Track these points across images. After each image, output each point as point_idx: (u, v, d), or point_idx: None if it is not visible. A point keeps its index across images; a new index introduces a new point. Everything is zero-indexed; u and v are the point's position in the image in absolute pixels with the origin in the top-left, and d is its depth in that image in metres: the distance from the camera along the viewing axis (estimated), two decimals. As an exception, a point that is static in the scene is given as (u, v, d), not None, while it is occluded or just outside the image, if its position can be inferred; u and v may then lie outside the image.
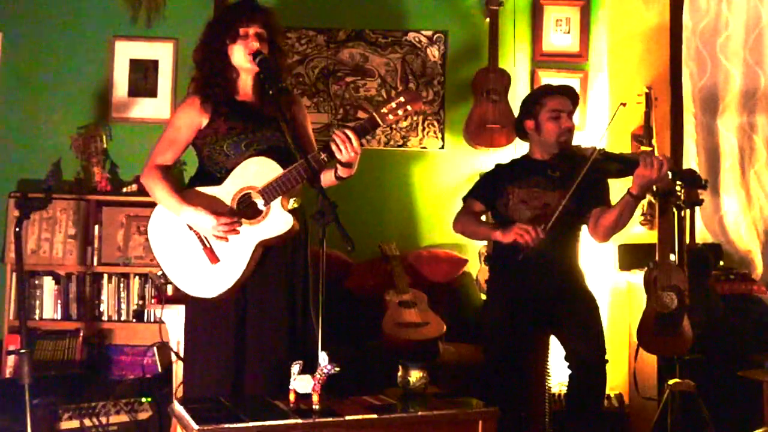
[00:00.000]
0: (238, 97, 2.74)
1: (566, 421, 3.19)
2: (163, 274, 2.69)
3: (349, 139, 2.55)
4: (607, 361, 3.08)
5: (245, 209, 2.63)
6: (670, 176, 2.94)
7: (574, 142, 3.29)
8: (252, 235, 2.60)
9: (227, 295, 2.61)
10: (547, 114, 3.24)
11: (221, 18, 2.74)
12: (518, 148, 3.95)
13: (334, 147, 2.56)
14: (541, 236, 2.99)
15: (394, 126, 4.27)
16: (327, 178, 2.69)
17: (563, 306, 3.14)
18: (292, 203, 2.62)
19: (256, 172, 2.61)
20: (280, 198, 2.59)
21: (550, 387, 3.55)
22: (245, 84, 2.74)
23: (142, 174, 2.72)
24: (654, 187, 3.39)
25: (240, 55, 2.66)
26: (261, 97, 2.74)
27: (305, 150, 2.63)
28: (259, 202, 2.60)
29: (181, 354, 3.01)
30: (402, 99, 2.60)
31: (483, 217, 3.42)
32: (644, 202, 4.09)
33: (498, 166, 3.47)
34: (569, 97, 3.31)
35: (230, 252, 2.60)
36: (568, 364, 3.10)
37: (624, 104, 3.21)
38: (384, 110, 2.60)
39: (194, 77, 2.74)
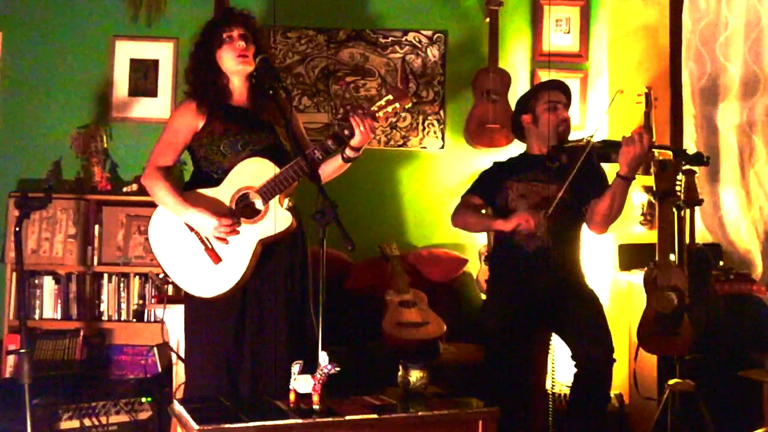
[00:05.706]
0: (232, 101, 2.79)
1: (569, 421, 3.18)
2: (165, 275, 2.72)
3: (366, 117, 2.64)
4: (615, 360, 3.06)
5: (244, 209, 2.66)
6: (652, 142, 2.97)
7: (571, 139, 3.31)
8: (252, 234, 2.63)
9: (230, 293, 2.64)
10: (543, 106, 3.30)
11: (204, 30, 2.80)
12: (518, 149, 3.94)
13: (354, 124, 2.62)
14: (543, 222, 3.02)
15: (394, 126, 4.27)
16: (335, 163, 2.79)
17: (566, 305, 3.13)
18: (287, 203, 2.65)
19: (252, 172, 2.65)
20: (278, 197, 2.62)
21: (553, 386, 3.55)
22: (238, 89, 2.79)
23: (144, 176, 2.76)
24: (654, 187, 3.39)
25: (229, 58, 2.73)
26: (255, 101, 2.79)
27: (302, 148, 2.68)
28: (258, 202, 2.64)
29: (182, 354, 3.02)
30: (390, 97, 2.69)
31: (482, 212, 3.43)
32: (644, 202, 4.09)
33: (496, 163, 3.48)
34: (562, 90, 3.38)
35: (232, 251, 2.64)
36: (575, 363, 3.07)
37: (621, 91, 3.26)
38: (374, 108, 2.68)
39: (187, 91, 2.80)
